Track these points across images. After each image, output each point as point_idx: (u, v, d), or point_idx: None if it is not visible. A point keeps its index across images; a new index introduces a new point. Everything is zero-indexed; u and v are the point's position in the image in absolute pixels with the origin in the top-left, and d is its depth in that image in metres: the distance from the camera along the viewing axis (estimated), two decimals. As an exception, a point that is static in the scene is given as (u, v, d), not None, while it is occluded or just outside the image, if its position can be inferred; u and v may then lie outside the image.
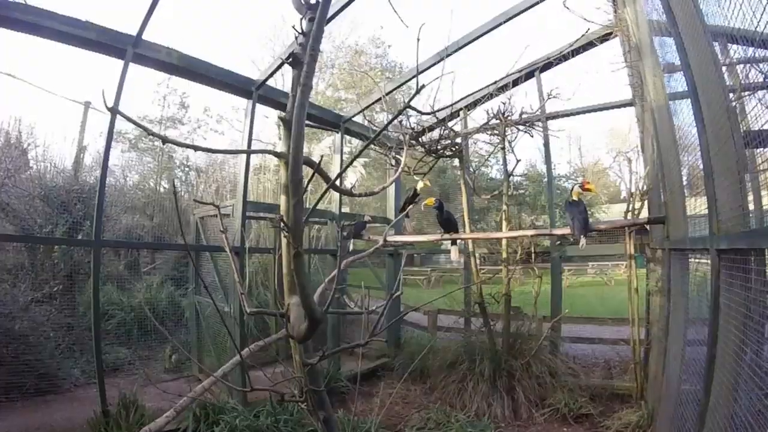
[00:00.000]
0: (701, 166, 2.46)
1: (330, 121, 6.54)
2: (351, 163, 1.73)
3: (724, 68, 2.17)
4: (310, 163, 2.03)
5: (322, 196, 1.79)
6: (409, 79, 6.63)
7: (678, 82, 3.28)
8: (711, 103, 2.20)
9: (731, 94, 2.09)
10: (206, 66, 4.82)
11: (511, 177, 5.50)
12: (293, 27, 1.99)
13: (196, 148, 2.05)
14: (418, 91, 1.56)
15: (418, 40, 1.52)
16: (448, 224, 4.78)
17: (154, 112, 13.85)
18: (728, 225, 2.10)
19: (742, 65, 2.10)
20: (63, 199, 6.55)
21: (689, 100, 2.47)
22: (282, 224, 1.83)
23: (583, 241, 3.83)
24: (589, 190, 4.12)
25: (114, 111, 4.44)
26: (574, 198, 3.98)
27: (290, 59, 2.01)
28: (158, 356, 6.86)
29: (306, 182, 2.00)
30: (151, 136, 12.25)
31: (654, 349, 4.40)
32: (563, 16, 4.94)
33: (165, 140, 1.94)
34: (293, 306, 1.96)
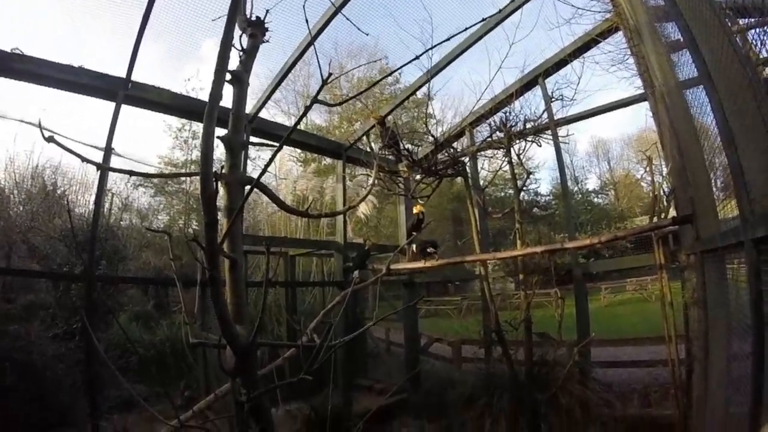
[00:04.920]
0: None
1: (331, 150, 6.48)
2: (272, 159, 1.56)
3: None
4: (249, 181, 1.88)
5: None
6: (403, 101, 6.53)
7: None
8: (714, 47, 1.83)
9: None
10: (198, 103, 4.90)
11: (538, 196, 5.17)
12: (233, 46, 1.93)
13: (131, 173, 2.00)
14: (325, 82, 1.38)
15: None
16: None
17: (179, 156, 14.46)
18: (766, 202, 1.65)
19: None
20: (81, 240, 6.78)
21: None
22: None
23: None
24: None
25: (107, 152, 4.55)
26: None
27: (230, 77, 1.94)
28: (176, 392, 6.79)
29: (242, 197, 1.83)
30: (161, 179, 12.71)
31: (696, 369, 3.78)
32: (561, 15, 4.70)
33: (99, 167, 1.87)
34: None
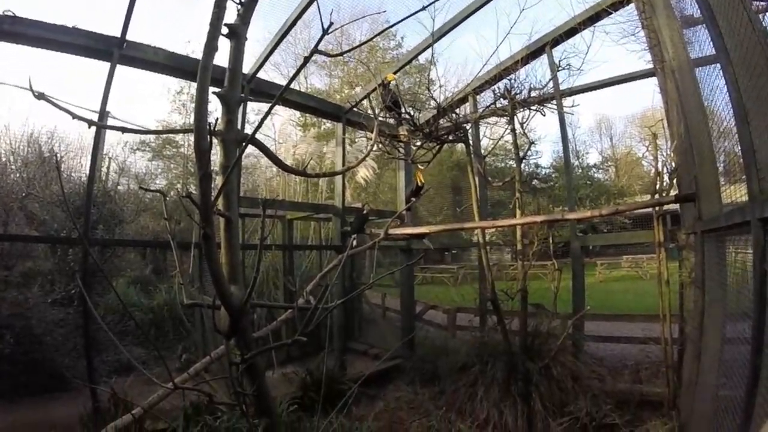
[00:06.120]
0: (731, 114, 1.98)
1: (331, 113, 6.36)
2: (268, 112, 1.50)
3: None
4: (244, 138, 1.83)
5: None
6: (405, 64, 6.37)
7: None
8: (732, 21, 1.75)
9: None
10: (196, 63, 4.73)
11: (539, 168, 5.09)
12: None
13: (123, 130, 1.97)
14: (325, 32, 1.30)
15: None
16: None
17: (176, 119, 14.18)
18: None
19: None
20: (78, 205, 6.72)
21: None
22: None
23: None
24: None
25: (102, 114, 4.43)
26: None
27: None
28: (173, 356, 6.92)
29: (238, 154, 1.77)
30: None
31: (688, 349, 3.83)
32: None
33: (91, 123, 1.82)
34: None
